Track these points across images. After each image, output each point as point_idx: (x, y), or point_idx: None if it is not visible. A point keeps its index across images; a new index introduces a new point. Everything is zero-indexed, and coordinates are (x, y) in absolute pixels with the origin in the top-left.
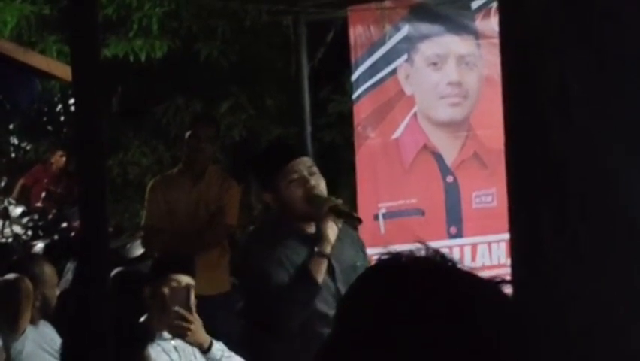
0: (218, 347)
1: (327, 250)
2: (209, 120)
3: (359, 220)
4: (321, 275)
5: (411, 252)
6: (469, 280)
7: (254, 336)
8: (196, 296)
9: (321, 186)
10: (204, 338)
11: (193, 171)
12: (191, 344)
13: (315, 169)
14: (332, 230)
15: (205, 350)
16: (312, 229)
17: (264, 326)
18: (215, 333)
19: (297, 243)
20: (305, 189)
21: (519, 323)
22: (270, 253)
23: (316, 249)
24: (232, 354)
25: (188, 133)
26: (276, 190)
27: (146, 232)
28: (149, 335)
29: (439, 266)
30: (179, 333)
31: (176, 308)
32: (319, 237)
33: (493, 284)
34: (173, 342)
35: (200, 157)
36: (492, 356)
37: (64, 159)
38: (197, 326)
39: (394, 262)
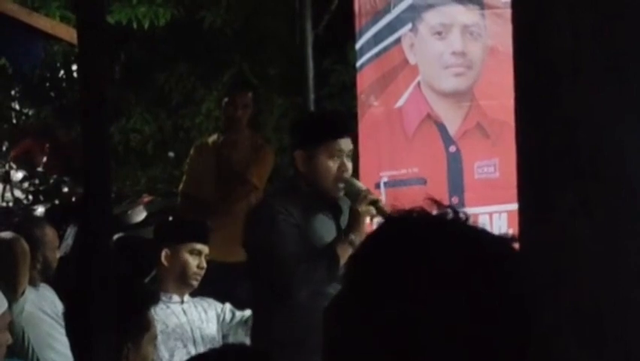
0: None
1: (358, 240)
2: (245, 87)
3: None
4: (345, 261)
5: (422, 208)
6: (481, 233)
7: (258, 300)
8: (221, 263)
9: (350, 170)
10: None
11: (229, 137)
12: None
13: (351, 152)
14: (365, 223)
15: None
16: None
17: (270, 291)
18: (239, 299)
19: (321, 212)
20: (339, 170)
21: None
22: (294, 217)
23: (351, 237)
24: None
25: (225, 101)
26: (312, 157)
27: (180, 199)
28: (154, 297)
29: (449, 221)
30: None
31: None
32: (354, 226)
33: (505, 239)
34: (181, 305)
35: (238, 125)
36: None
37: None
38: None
39: (406, 218)
